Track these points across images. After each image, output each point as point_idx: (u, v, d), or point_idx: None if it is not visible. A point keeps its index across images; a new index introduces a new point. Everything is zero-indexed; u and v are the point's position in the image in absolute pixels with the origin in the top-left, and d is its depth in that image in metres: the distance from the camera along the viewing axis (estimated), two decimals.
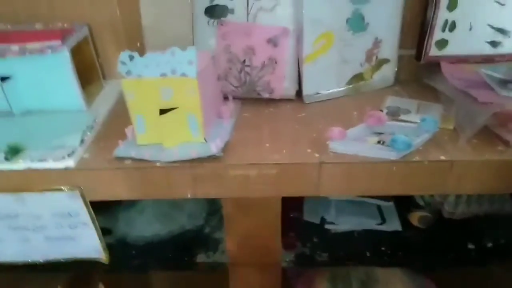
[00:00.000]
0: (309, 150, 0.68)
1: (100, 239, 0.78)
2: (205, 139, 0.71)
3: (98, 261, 0.81)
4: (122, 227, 0.95)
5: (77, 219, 0.75)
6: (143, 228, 0.94)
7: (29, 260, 0.81)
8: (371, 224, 0.89)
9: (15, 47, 0.75)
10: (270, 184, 0.68)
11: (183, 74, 0.67)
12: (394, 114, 0.76)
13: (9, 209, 0.73)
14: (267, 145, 0.71)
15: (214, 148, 0.68)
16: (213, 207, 0.98)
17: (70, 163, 0.67)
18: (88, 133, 0.74)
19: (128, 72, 0.67)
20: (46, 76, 0.78)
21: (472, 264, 0.85)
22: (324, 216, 0.91)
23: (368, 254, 0.85)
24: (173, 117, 0.69)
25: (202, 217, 0.95)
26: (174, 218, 0.95)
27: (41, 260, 0.81)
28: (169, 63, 0.67)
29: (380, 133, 0.71)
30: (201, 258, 0.85)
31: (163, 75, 0.67)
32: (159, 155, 0.68)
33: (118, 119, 0.80)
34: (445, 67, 0.80)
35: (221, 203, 0.88)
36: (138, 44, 0.93)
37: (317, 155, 0.67)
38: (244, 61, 0.87)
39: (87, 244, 0.79)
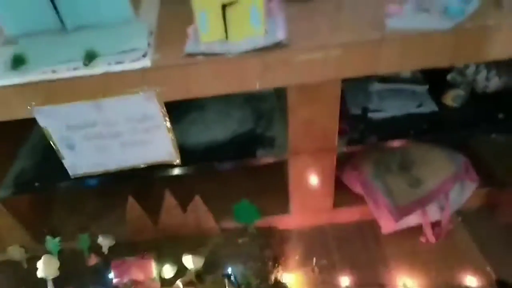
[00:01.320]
0: (368, 30, 0.73)
1: (172, 141, 0.84)
2: (266, 31, 0.75)
3: (171, 163, 0.87)
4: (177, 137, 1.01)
5: (152, 122, 0.80)
6: (197, 136, 0.99)
7: (105, 169, 0.87)
8: (410, 107, 0.97)
9: None
10: (333, 66, 0.73)
11: None
12: None
13: (86, 118, 0.77)
14: (325, 31, 0.75)
15: (280, 35, 0.72)
16: (258, 111, 1.04)
17: (146, 62, 0.70)
18: (151, 36, 0.77)
19: None
20: None
21: (502, 131, 0.95)
22: (366, 105, 0.98)
23: (410, 133, 0.94)
24: (236, 11, 0.71)
25: (251, 121, 1.01)
26: (225, 125, 1.01)
27: (116, 168, 0.87)
28: None
29: (427, 9, 0.76)
30: (260, 153, 0.92)
31: None
32: (228, 48, 0.72)
33: (170, 23, 0.82)
34: None
35: (267, 105, 0.94)
36: None
37: (377, 32, 0.72)
38: None
39: (161, 147, 0.84)
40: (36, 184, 0.92)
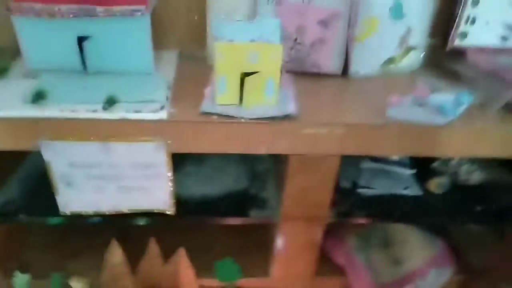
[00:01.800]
0: (370, 114, 0.80)
1: (171, 192, 0.85)
2: (277, 102, 0.81)
3: (164, 212, 0.88)
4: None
5: (155, 171, 0.82)
6: (191, 189, 1.01)
7: (97, 210, 0.86)
8: (397, 189, 1.03)
9: (100, 8, 0.80)
10: (336, 143, 0.79)
11: (269, 40, 0.76)
12: (431, 90, 0.89)
13: (92, 158, 0.79)
14: (331, 110, 0.82)
15: (290, 108, 0.78)
16: (253, 171, 1.08)
17: (163, 115, 0.74)
18: (169, 91, 0.81)
19: (220, 37, 0.75)
20: (124, 38, 0.83)
21: (480, 223, 1.02)
22: (356, 180, 1.04)
23: (396, 214, 0.99)
24: (253, 80, 0.77)
25: (246, 180, 1.04)
26: (221, 181, 1.04)
27: (109, 210, 0.87)
28: (257, 30, 0.76)
29: (423, 105, 0.84)
30: (253, 214, 0.94)
31: (252, 40, 0.76)
32: (242, 112, 0.77)
33: (186, 81, 0.88)
34: (471, 53, 0.95)
35: (263, 167, 0.98)
36: (196, 17, 1.00)
37: (379, 118, 0.79)
38: (296, 39, 0.97)
39: (158, 195, 0.86)
40: (21, 215, 0.89)
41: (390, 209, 1.00)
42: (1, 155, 0.80)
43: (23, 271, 0.97)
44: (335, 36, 0.96)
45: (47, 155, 0.77)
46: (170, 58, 0.98)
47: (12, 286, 0.95)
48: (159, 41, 1.00)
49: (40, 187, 0.96)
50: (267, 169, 1.10)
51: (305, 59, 0.98)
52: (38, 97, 0.72)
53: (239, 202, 0.97)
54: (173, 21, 1.00)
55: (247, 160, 1.12)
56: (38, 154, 0.77)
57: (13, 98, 0.74)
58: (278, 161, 1.05)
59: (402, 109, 0.79)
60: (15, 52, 0.90)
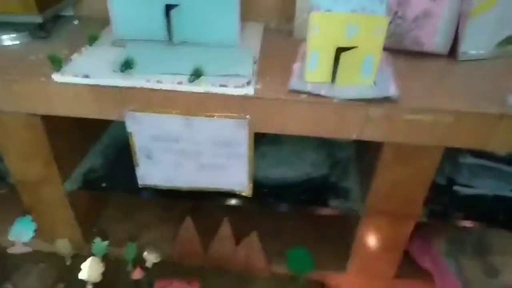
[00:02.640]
0: (485, 102, 0.68)
1: (250, 172, 0.81)
2: (374, 83, 0.72)
3: (241, 193, 0.84)
4: None
5: (236, 149, 0.78)
6: (267, 171, 0.96)
7: (175, 185, 0.85)
8: (503, 190, 0.89)
9: None
10: (441, 133, 0.69)
11: (373, 12, 0.67)
12: None
13: (173, 132, 0.76)
14: (438, 94, 0.71)
15: (391, 90, 0.68)
16: (333, 158, 1.00)
17: (250, 90, 0.69)
18: (255, 65, 0.76)
19: (317, 6, 0.68)
20: (212, 7, 0.79)
21: None
22: (452, 176, 0.92)
23: (499, 218, 0.86)
24: (350, 56, 0.69)
25: (326, 167, 0.97)
26: (298, 165, 0.97)
27: (186, 187, 0.85)
28: (359, 0, 0.67)
29: None
30: (333, 204, 0.87)
31: (353, 11, 0.67)
32: (334, 92, 0.69)
33: (272, 55, 0.82)
34: None
35: (344, 153, 0.89)
36: None
37: (496, 107, 0.67)
38: (397, 11, 0.86)
39: (236, 176, 0.82)
40: (103, 184, 0.91)
41: (492, 212, 0.86)
42: (85, 123, 0.81)
43: (101, 237, 1.00)
44: (445, 8, 0.83)
45: (130, 126, 0.76)
46: (255, 31, 0.93)
47: (91, 250, 0.99)
48: (244, 13, 0.94)
49: (119, 158, 0.97)
50: (349, 156, 1.01)
51: (406, 35, 0.86)
52: (126, 66, 0.70)
53: (318, 190, 0.90)
54: None
55: (328, 145, 1.04)
56: (121, 125, 0.77)
57: (101, 66, 0.73)
58: (363, 149, 0.96)
59: None
60: (103, 21, 0.91)
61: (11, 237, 1.03)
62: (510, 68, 0.83)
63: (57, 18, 0.95)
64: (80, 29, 0.95)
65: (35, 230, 1.03)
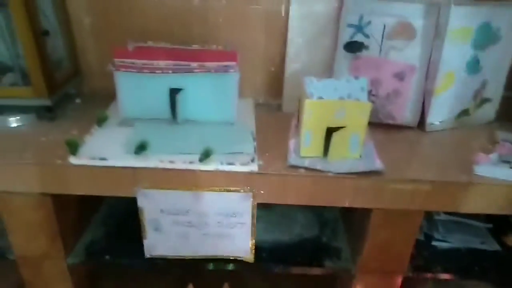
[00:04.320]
0: (456, 171, 0.80)
1: (252, 240, 0.87)
2: (360, 156, 0.82)
3: (244, 260, 0.90)
4: None
5: (240, 220, 0.84)
6: (262, 235, 1.02)
7: (180, 255, 0.89)
8: (474, 243, 1.00)
9: (195, 64, 0.86)
10: (421, 199, 0.79)
11: (357, 98, 0.79)
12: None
13: (181, 206, 0.82)
14: (413, 164, 0.82)
15: (377, 164, 0.79)
16: (322, 219, 1.08)
17: (254, 167, 0.77)
18: (255, 142, 0.85)
19: (311, 93, 0.79)
20: (213, 91, 0.89)
21: None
22: (430, 232, 1.02)
23: (475, 269, 0.95)
24: (339, 135, 0.79)
25: (316, 227, 1.05)
26: (289, 228, 1.05)
27: (190, 255, 0.89)
28: (345, 89, 0.79)
29: (508, 161, 0.83)
30: (328, 264, 0.94)
31: (341, 97, 0.79)
32: (328, 167, 0.79)
33: (267, 131, 0.92)
34: None
35: (332, 216, 0.98)
36: (272, 69, 1.06)
37: (464, 176, 0.79)
38: (371, 90, 0.99)
39: (240, 243, 0.88)
40: (107, 256, 0.93)
41: (468, 264, 0.97)
42: (87, 196, 0.85)
43: None
44: (411, 88, 0.98)
45: (141, 202, 0.82)
46: (247, 106, 1.03)
47: None
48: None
49: (121, 229, 1.00)
50: (335, 216, 1.10)
51: (380, 110, 1.00)
52: (141, 148, 0.77)
53: (311, 251, 0.97)
54: (251, 72, 1.05)
55: (314, 207, 1.12)
56: (122, 198, 0.81)
57: (115, 148, 0.80)
58: (347, 209, 1.05)
59: (489, 167, 0.79)
60: (105, 99, 0.98)
61: None
62: (468, 136, 0.98)
63: (62, 99, 1.01)
64: (83, 107, 1.01)
65: None
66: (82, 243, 0.97)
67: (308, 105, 0.78)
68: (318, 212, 1.11)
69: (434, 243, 1.00)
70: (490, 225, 1.02)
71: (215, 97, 0.90)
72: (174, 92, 0.89)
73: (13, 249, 0.91)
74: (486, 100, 1.05)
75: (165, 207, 0.83)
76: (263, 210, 1.10)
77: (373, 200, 0.80)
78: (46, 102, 0.91)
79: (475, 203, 0.80)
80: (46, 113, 0.93)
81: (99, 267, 1.10)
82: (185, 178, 0.78)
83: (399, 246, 0.87)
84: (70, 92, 1.05)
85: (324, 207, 1.13)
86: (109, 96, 0.98)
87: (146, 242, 0.88)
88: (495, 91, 1.04)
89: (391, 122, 1.00)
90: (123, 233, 0.99)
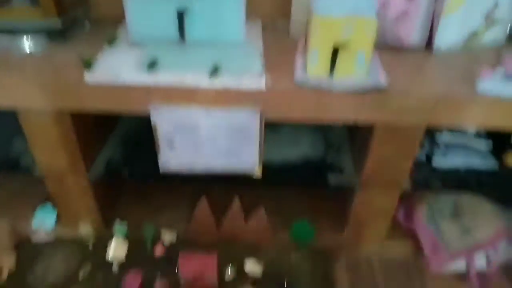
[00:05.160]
0: (459, 86, 0.82)
1: (260, 155, 0.92)
2: (365, 74, 0.84)
3: (251, 175, 0.96)
4: None
5: (248, 135, 0.89)
6: (271, 155, 1.07)
7: (193, 170, 0.95)
8: (473, 162, 1.04)
9: None
10: (423, 113, 0.82)
11: (365, 15, 0.79)
12: None
13: (193, 122, 0.87)
14: (418, 81, 0.84)
15: (381, 80, 0.81)
16: (327, 140, 1.13)
17: (262, 84, 0.80)
18: (262, 61, 0.86)
19: (317, 10, 0.79)
20: (220, 10, 0.89)
21: None
22: (430, 152, 1.06)
23: (471, 187, 1.01)
24: (345, 53, 0.81)
25: (321, 148, 1.10)
26: (296, 149, 1.09)
27: (203, 171, 0.95)
28: (352, 4, 0.79)
29: None
30: (332, 181, 1.00)
31: (348, 14, 0.79)
32: (334, 84, 0.81)
33: (274, 51, 0.92)
34: None
35: (337, 137, 1.02)
36: None
37: (468, 90, 0.81)
38: (379, 12, 0.98)
39: (248, 159, 0.93)
40: (124, 172, 1.00)
41: (465, 181, 1.02)
42: (103, 115, 0.89)
43: (121, 221, 1.10)
44: (419, 9, 0.96)
45: (155, 119, 0.86)
46: (255, 29, 1.03)
47: (111, 233, 1.08)
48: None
49: (137, 146, 1.06)
50: (341, 138, 1.14)
51: (387, 32, 0.99)
52: (152, 65, 0.80)
53: (317, 169, 1.03)
54: None
55: (320, 130, 1.16)
56: (138, 118, 0.85)
57: (127, 66, 0.82)
58: (353, 131, 1.09)
59: (493, 83, 0.80)
60: (113, 23, 0.99)
61: (34, 225, 1.11)
62: (475, 58, 0.97)
63: (72, 22, 1.02)
64: (93, 31, 1.02)
65: (56, 217, 1.12)
66: (101, 160, 1.03)
67: (316, 21, 0.78)
68: (323, 133, 1.15)
69: (434, 163, 1.04)
70: (489, 144, 1.05)
71: (222, 16, 0.90)
72: (181, 13, 0.89)
73: (37, 165, 0.99)
74: (497, 22, 1.03)
75: (177, 123, 0.87)
76: (270, 132, 1.15)
77: (378, 115, 0.83)
78: (56, 23, 0.92)
79: (477, 118, 0.82)
80: (57, 36, 0.95)
81: (118, 183, 1.18)
82: (195, 94, 0.81)
83: (400, 162, 0.92)
84: (79, 16, 1.06)
85: (330, 128, 1.17)
86: (117, 21, 0.99)
87: (160, 158, 0.93)
88: (506, 12, 1.02)
89: (398, 44, 0.99)
90: (139, 151, 1.05)
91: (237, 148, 0.91)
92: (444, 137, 1.05)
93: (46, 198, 1.10)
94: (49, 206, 1.12)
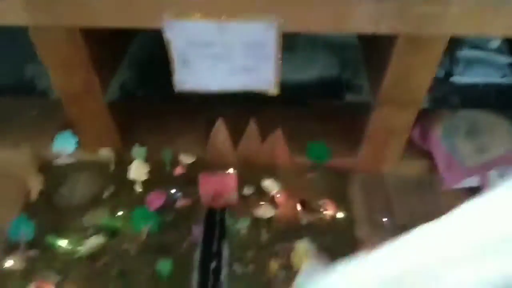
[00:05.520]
0: None
1: (277, 71, 0.91)
2: None
3: (267, 92, 0.95)
4: None
5: (265, 51, 0.86)
6: (286, 75, 1.05)
7: (208, 89, 0.95)
8: (494, 77, 1.02)
9: None
10: (448, 23, 0.78)
11: None
12: None
13: (207, 38, 0.84)
14: None
15: None
16: (343, 59, 1.10)
17: None
18: None
19: None
20: None
21: None
22: (449, 69, 1.04)
23: (491, 103, 0.99)
24: None
25: (337, 67, 1.07)
26: (312, 68, 1.07)
27: (218, 89, 0.95)
28: None
29: None
30: (349, 98, 0.99)
31: None
32: None
33: None
34: None
35: (353, 55, 0.99)
36: None
37: None
38: None
39: (265, 76, 0.91)
40: (140, 93, 1.00)
41: (484, 98, 1.00)
42: (116, 34, 0.87)
43: (140, 144, 1.12)
44: None
45: (169, 34, 0.83)
46: None
47: (131, 156, 1.11)
48: None
49: (151, 67, 1.05)
50: (355, 57, 1.11)
51: None
52: None
53: (333, 88, 1.02)
54: None
55: (335, 48, 1.13)
56: (146, 34, 0.83)
57: None
58: (369, 48, 1.06)
59: None
60: None
61: (55, 149, 1.14)
62: None
63: None
64: None
65: (76, 142, 1.14)
66: (117, 81, 1.03)
67: None
68: (339, 52, 1.12)
69: (453, 79, 1.02)
70: (511, 59, 1.02)
71: None
72: None
73: (53, 88, 0.99)
74: None
75: (191, 39, 0.85)
76: (285, 52, 1.12)
77: (398, 26, 0.79)
78: None
79: (504, 26, 0.79)
80: None
81: (134, 106, 1.19)
82: (206, 5, 0.78)
83: (419, 76, 0.90)
84: None
85: (345, 46, 1.14)
86: None
87: (175, 77, 0.92)
88: None
89: None
90: (155, 71, 1.03)
91: (254, 65, 0.89)
92: (464, 53, 1.02)
93: (65, 123, 1.11)
94: (68, 132, 1.14)
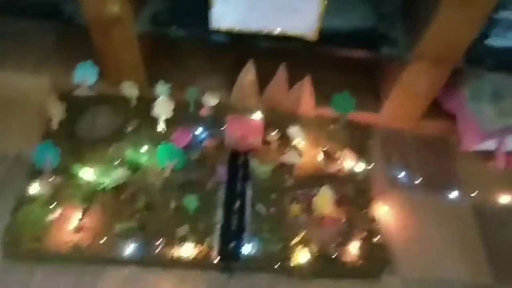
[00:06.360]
0: None
1: (319, 14, 0.88)
2: None
3: (306, 38, 0.93)
4: None
5: None
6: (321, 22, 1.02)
7: (246, 28, 0.92)
8: None
9: None
10: None
11: None
12: None
13: None
14: None
15: None
16: (380, 11, 1.07)
17: None
18: None
19: None
20: None
21: None
22: (486, 31, 1.02)
23: None
24: None
25: (374, 19, 1.05)
26: (348, 18, 1.04)
27: (257, 29, 0.92)
28: None
29: None
30: (385, 51, 0.98)
31: None
32: None
33: None
34: None
35: (391, 7, 0.97)
36: None
37: None
38: None
39: (307, 20, 0.89)
40: (173, 26, 0.96)
41: None
42: None
43: (165, 81, 1.09)
44: None
45: None
46: None
47: (154, 94, 1.08)
48: None
49: (190, 2, 0.99)
50: (394, 10, 1.08)
51: None
52: None
53: (369, 40, 1.00)
54: None
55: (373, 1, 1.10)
56: None
57: None
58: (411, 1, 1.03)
59: None
60: None
61: (76, 79, 1.10)
62: None
63: None
64: None
65: (98, 74, 1.10)
66: (149, 11, 0.98)
67: None
68: (377, 4, 1.08)
69: (489, 41, 1.01)
70: None
71: None
72: None
73: (83, 14, 0.94)
74: None
75: None
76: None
77: None
78: None
79: None
80: None
81: (163, 41, 1.14)
82: None
83: (462, 32, 0.89)
84: None
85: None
86: None
87: (213, 12, 0.89)
88: None
89: None
90: (189, 4, 0.99)
91: (297, 6, 0.86)
92: (506, 13, 1.00)
93: (88, 52, 1.07)
94: (90, 63, 1.10)
